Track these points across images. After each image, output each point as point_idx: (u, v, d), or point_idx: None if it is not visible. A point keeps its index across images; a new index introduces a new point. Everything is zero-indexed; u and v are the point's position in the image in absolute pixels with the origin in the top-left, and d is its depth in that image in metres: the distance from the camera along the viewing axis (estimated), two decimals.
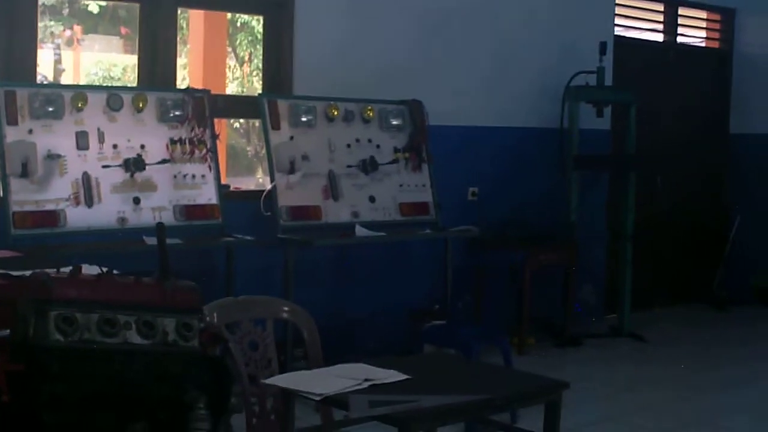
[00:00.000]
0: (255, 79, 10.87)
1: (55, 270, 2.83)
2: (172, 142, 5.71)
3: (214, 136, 5.90)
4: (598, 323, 8.22)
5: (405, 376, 3.40)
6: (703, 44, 9.88)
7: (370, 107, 6.55)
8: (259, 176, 10.94)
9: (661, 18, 9.29)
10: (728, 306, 9.19)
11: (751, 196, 9.46)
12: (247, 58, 11.78)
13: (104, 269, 2.80)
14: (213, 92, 6.10)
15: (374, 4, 6.92)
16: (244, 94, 10.76)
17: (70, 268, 2.77)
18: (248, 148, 12.05)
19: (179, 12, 6.44)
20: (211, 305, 3.64)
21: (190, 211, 5.70)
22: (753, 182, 9.48)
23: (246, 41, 11.52)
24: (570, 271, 7.69)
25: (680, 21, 9.41)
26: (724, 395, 6.51)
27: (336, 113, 6.37)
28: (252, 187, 9.07)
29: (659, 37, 9.33)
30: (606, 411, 6.10)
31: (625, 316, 8.06)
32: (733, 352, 7.70)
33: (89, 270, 2.97)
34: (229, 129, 10.80)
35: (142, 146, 5.59)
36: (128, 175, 5.51)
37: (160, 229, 2.98)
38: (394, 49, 7.00)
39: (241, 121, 10.69)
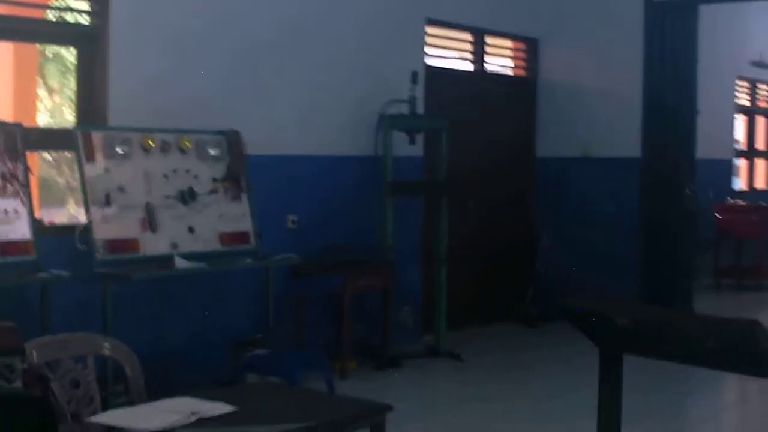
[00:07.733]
0: (66, 109, 10.64)
1: None
2: None
3: (27, 171, 5.77)
4: (416, 343, 8.43)
5: (231, 408, 3.44)
6: (510, 72, 10.32)
7: (186, 138, 6.54)
8: (71, 208, 10.70)
9: (469, 47, 9.65)
10: (539, 322, 9.55)
11: (555, 215, 9.93)
12: (56, 88, 11.52)
13: None
14: (25, 125, 5.97)
15: (189, 36, 6.91)
16: (57, 127, 10.51)
17: None
18: (60, 180, 11.77)
19: None
20: (30, 344, 3.58)
21: (2, 247, 5.54)
22: (557, 202, 9.96)
23: (57, 71, 11.27)
24: (388, 295, 7.87)
25: (487, 50, 9.80)
26: (537, 408, 6.80)
27: (152, 144, 6.34)
28: (64, 219, 8.87)
29: (469, 66, 9.69)
30: (430, 430, 6.28)
31: (441, 336, 8.28)
32: (543, 368, 8.05)
33: None
34: (40, 160, 10.53)
35: None
36: None
37: None
38: (210, 80, 7.00)
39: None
